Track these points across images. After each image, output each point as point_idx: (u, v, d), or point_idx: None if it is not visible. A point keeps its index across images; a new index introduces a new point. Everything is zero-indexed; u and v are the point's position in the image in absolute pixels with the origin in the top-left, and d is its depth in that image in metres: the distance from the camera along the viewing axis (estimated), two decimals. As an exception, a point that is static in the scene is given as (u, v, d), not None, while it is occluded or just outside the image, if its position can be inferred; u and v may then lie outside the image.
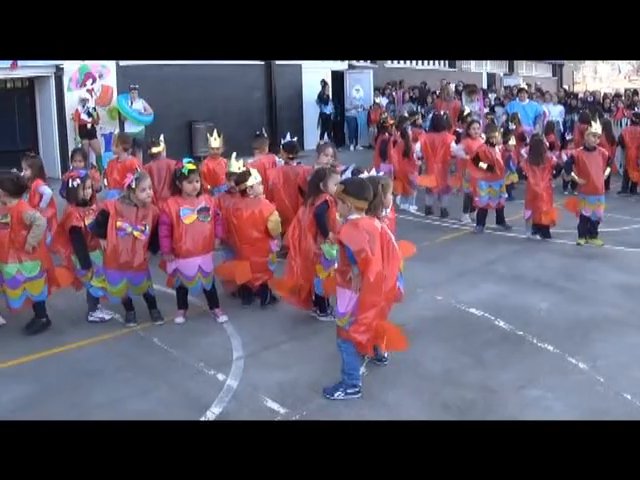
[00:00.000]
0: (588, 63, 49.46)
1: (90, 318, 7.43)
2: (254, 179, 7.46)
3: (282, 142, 9.41)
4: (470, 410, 5.31)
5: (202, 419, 5.27)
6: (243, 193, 7.49)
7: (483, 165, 10.51)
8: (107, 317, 7.47)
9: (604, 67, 58.06)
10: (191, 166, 7.02)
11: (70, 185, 7.21)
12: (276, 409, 5.41)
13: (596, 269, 8.88)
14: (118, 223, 6.90)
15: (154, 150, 9.63)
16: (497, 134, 10.93)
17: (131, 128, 15.95)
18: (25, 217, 6.85)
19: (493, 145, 10.76)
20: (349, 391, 5.57)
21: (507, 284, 8.26)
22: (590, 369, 5.98)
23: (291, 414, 5.31)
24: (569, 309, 7.43)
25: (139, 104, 16.29)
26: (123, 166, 9.59)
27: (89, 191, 7.27)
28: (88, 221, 7.13)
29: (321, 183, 6.91)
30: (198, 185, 7.08)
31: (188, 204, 7.05)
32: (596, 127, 9.86)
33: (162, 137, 9.90)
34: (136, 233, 6.94)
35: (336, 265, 6.07)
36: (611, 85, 46.05)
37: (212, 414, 5.35)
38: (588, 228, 10.03)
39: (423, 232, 10.72)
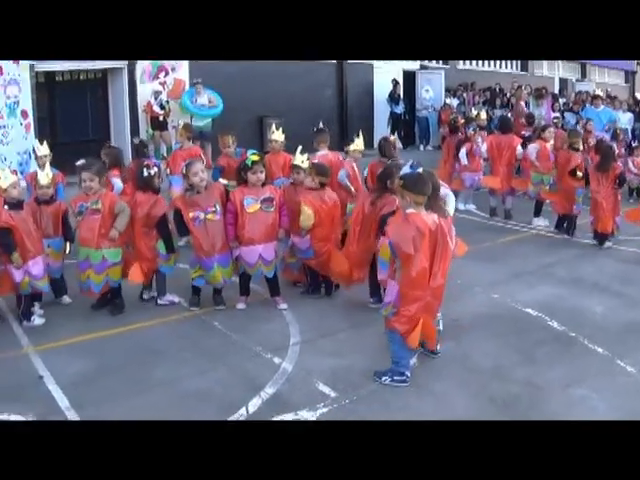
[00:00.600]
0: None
1: (160, 302, 7.78)
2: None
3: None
4: (515, 405, 5.44)
5: (255, 399, 5.52)
6: (322, 186, 7.68)
7: (579, 174, 10.52)
8: (176, 300, 7.81)
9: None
10: (255, 157, 7.30)
11: (146, 174, 7.54)
12: (327, 392, 5.63)
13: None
14: (190, 214, 7.23)
15: None
16: (580, 140, 10.99)
17: (197, 121, 16.17)
18: (117, 207, 7.24)
19: (576, 150, 10.78)
20: (396, 378, 5.77)
21: (564, 287, 8.32)
22: (638, 372, 6.04)
23: (341, 398, 5.53)
24: (624, 314, 7.46)
25: (204, 98, 16.51)
26: (188, 154, 9.91)
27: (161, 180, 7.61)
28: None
29: (388, 181, 7.05)
30: (262, 176, 7.34)
31: (253, 194, 7.31)
32: None
33: None
34: (209, 216, 7.25)
35: None
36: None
37: (266, 394, 5.60)
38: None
39: (485, 233, 10.80)
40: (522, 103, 18.11)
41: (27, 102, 14.69)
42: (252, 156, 7.36)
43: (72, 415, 5.30)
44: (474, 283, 7.22)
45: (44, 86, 15.77)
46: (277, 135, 9.71)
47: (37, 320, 7.26)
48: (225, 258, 7.41)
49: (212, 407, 5.42)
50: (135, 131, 16.52)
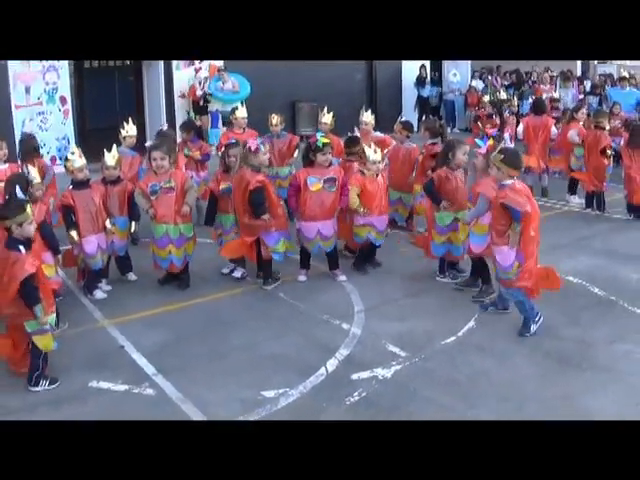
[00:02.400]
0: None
1: (224, 270, 8.45)
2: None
3: (401, 120, 10.23)
4: (568, 359, 6.08)
5: (332, 360, 6.16)
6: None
7: (609, 152, 11.06)
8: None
9: None
10: (325, 140, 7.92)
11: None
12: (397, 352, 6.27)
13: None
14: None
15: None
16: (606, 119, 11.44)
17: (224, 107, 16.45)
18: (187, 184, 7.83)
19: (603, 129, 11.24)
20: (537, 319, 6.56)
21: (601, 257, 8.92)
22: None
23: (410, 357, 6.17)
24: (658, 280, 8.10)
25: (229, 84, 16.95)
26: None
27: (233, 159, 8.07)
28: (223, 186, 8.03)
29: (450, 153, 7.67)
30: (330, 157, 7.96)
31: (317, 174, 7.92)
32: None
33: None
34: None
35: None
36: None
37: (341, 355, 6.23)
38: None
39: None
40: (545, 87, 18.57)
41: (66, 88, 15.27)
42: (322, 139, 8.00)
43: (160, 380, 5.88)
44: None
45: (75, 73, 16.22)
46: (326, 118, 10.38)
47: (99, 294, 7.85)
48: (284, 233, 7.95)
49: (291, 369, 6.02)
50: (172, 117, 17.05)
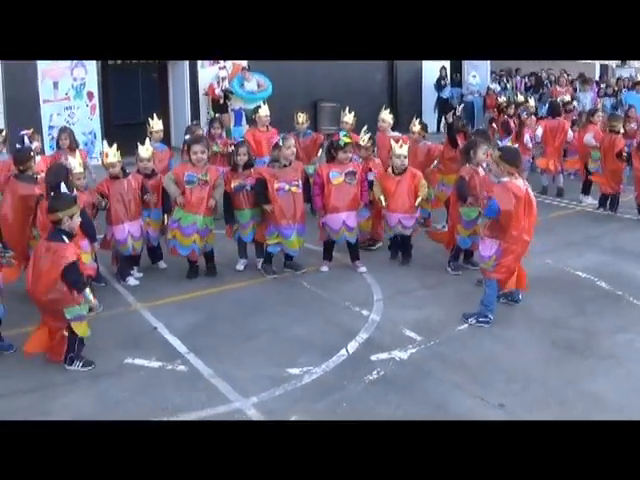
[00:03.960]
0: None
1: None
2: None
3: (420, 121, 10.66)
4: (573, 346, 6.49)
5: (353, 342, 6.60)
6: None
7: (625, 155, 11.38)
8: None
9: None
10: (347, 139, 8.37)
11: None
12: (413, 337, 6.71)
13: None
14: (276, 185, 8.19)
15: None
16: (620, 123, 11.75)
17: (247, 105, 16.93)
18: (218, 180, 8.28)
19: (617, 133, 11.56)
20: (481, 319, 6.92)
21: (609, 254, 9.30)
22: None
23: (426, 341, 6.60)
24: (665, 277, 8.49)
25: (252, 83, 17.29)
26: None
27: (242, 157, 8.49)
28: (235, 184, 8.43)
29: (471, 151, 8.10)
30: (350, 155, 8.42)
31: (338, 168, 8.38)
32: None
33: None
34: (293, 188, 8.24)
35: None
36: None
37: (361, 338, 6.69)
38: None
39: (538, 209, 11.48)
40: (562, 89, 18.89)
41: (93, 84, 15.68)
42: (345, 138, 8.49)
43: (192, 358, 6.34)
44: (530, 251, 8.07)
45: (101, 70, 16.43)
46: (348, 118, 10.87)
47: (132, 281, 8.32)
48: (303, 227, 8.41)
49: (315, 349, 6.47)
50: (196, 114, 17.48)
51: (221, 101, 17.30)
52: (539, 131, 12.89)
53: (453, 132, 9.67)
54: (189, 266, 8.53)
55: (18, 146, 8.84)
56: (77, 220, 6.10)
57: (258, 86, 17.35)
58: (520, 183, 6.72)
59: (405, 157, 8.57)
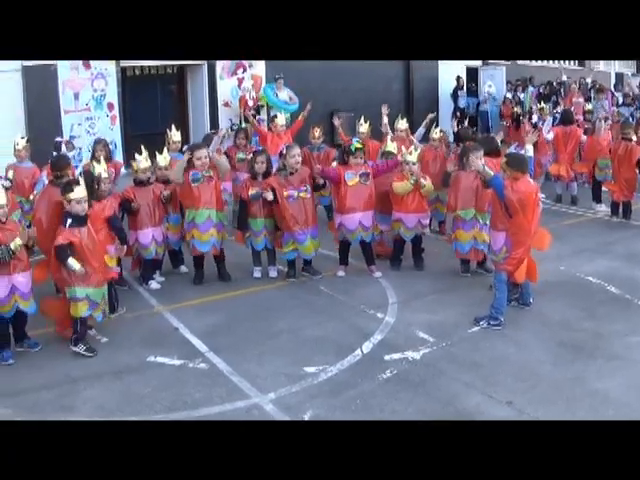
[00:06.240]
0: None
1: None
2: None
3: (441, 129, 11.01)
4: (581, 347, 6.66)
5: (367, 343, 6.82)
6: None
7: None
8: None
9: None
10: (358, 145, 8.68)
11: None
12: (426, 338, 6.91)
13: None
14: (285, 193, 8.46)
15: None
16: (632, 130, 11.97)
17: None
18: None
19: (630, 141, 11.75)
20: (492, 322, 7.14)
21: (621, 260, 9.45)
22: None
23: (438, 342, 6.80)
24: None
25: (284, 94, 17.33)
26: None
27: (260, 166, 8.78)
28: (252, 192, 8.65)
29: (464, 158, 8.34)
30: (361, 160, 8.72)
31: (353, 170, 8.66)
32: None
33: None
34: (302, 194, 8.51)
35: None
36: None
37: (375, 339, 6.90)
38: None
39: (552, 216, 11.75)
40: (574, 99, 19.04)
41: (113, 95, 15.84)
42: (356, 144, 8.76)
43: (212, 356, 6.59)
44: (543, 257, 8.20)
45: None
46: (364, 128, 11.15)
47: (154, 285, 8.61)
48: (315, 231, 8.68)
49: (332, 349, 6.70)
50: (215, 125, 17.57)
51: (251, 112, 17.42)
52: (550, 136, 13.02)
53: (461, 140, 9.87)
54: (195, 272, 8.81)
55: (55, 153, 9.11)
56: (76, 207, 6.53)
57: (290, 99, 17.46)
58: (529, 182, 7.10)
59: (414, 163, 8.83)
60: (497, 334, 6.99)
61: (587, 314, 7.49)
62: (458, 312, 7.57)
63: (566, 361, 6.39)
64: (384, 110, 11.36)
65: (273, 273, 8.99)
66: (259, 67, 18.05)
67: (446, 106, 22.19)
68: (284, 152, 8.58)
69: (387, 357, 6.50)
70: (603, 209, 12.54)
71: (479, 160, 7.38)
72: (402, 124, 11.20)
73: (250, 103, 17.24)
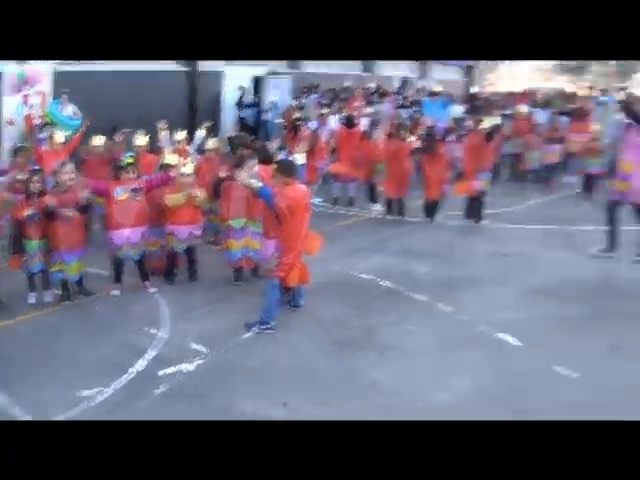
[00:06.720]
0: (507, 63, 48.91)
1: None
2: None
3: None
4: (355, 342, 6.83)
5: (141, 361, 6.58)
6: None
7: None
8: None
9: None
10: (129, 160, 8.67)
11: None
12: (200, 349, 6.80)
13: (472, 242, 10.68)
14: (60, 210, 8.06)
15: None
16: (406, 132, 12.62)
17: (62, 130, 16.42)
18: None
19: (403, 140, 12.33)
20: (262, 327, 7.15)
21: (396, 256, 9.79)
22: (452, 312, 7.67)
23: (212, 352, 6.71)
24: (442, 270, 9.11)
25: (69, 109, 16.96)
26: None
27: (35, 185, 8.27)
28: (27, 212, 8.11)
29: (239, 167, 8.18)
30: (134, 175, 8.53)
31: (124, 185, 8.42)
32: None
33: None
34: (70, 214, 8.09)
35: None
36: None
37: (149, 356, 6.69)
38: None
39: (327, 219, 11.91)
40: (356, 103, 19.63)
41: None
42: (127, 159, 8.60)
43: None
44: (317, 258, 7.95)
45: None
46: (140, 141, 10.79)
47: None
48: (83, 252, 8.35)
49: (107, 370, 6.41)
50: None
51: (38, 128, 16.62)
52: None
53: (234, 148, 9.84)
54: None
55: None
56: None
57: (74, 114, 16.86)
58: (299, 188, 7.20)
59: (189, 175, 8.76)
60: (269, 338, 7.00)
61: (360, 310, 7.67)
62: (232, 320, 7.51)
63: (339, 358, 6.50)
64: (160, 126, 11.10)
65: (48, 298, 8.50)
66: (45, 83, 17.30)
67: (230, 116, 22.18)
68: (57, 169, 8.24)
69: (161, 372, 6.33)
70: (377, 208, 12.93)
71: (244, 173, 7.41)
72: (179, 135, 11.00)
73: (37, 121, 16.46)
